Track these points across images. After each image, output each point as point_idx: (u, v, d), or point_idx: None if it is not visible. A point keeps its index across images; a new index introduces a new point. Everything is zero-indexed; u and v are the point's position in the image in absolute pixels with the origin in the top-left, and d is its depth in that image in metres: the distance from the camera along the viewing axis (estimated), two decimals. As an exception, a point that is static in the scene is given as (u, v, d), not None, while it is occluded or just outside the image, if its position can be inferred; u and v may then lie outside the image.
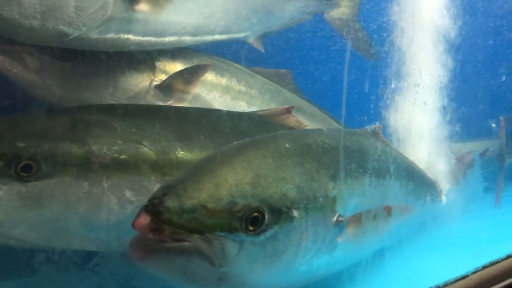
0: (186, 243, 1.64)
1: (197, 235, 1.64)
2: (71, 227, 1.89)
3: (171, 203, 1.64)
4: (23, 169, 1.81)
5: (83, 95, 2.50)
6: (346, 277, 2.29)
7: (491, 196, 4.04)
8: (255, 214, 1.74)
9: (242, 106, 2.93)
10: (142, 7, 2.30)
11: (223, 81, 2.87)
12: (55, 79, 2.44)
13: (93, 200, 1.88)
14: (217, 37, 2.74)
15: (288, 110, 2.57)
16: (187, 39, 2.57)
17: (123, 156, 1.94)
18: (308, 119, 3.16)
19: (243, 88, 2.95)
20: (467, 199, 3.36)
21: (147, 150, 1.99)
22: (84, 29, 2.16)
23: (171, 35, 2.49)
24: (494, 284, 2.09)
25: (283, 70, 3.30)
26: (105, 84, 2.52)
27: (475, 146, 4.16)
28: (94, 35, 2.21)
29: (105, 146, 1.92)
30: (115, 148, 1.94)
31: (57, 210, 1.85)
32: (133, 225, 1.61)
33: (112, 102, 2.52)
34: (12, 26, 2.02)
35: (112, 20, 2.22)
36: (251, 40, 2.96)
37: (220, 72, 2.86)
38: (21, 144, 1.83)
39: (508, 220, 3.51)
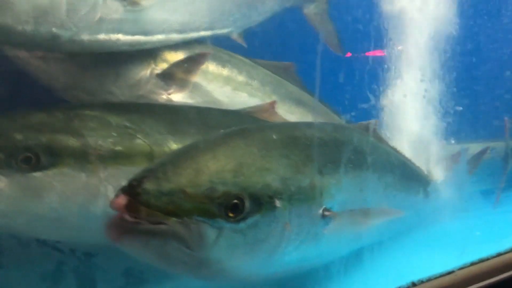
0: (163, 226, 1.73)
1: (174, 218, 1.72)
2: (70, 216, 2.10)
3: (149, 185, 1.73)
4: (23, 161, 2.02)
5: (86, 83, 2.72)
6: (332, 270, 2.38)
7: (490, 195, 4.19)
8: (235, 201, 1.83)
9: (242, 97, 3.09)
10: (131, 5, 2.47)
11: (224, 71, 3.04)
12: (58, 66, 2.66)
13: (91, 190, 2.09)
14: (203, 33, 2.93)
15: (272, 106, 2.77)
16: (174, 36, 2.78)
17: (118, 148, 2.16)
18: (310, 112, 3.36)
19: (244, 79, 3.11)
20: (460, 197, 3.52)
21: (141, 142, 2.21)
22: (75, 30, 2.34)
23: (159, 33, 2.69)
24: (481, 281, 2.16)
25: (286, 63, 3.48)
26: (107, 72, 2.72)
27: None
28: (85, 36, 2.40)
29: (100, 139, 2.14)
30: (111, 140, 2.15)
31: (56, 200, 2.06)
32: (110, 204, 1.71)
33: (114, 89, 2.72)
34: (5, 32, 2.17)
35: (103, 21, 2.42)
36: (234, 36, 3.16)
37: (222, 62, 3.04)
38: (21, 137, 2.05)
39: (505, 219, 3.68)
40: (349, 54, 4.02)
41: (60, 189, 2.05)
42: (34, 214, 2.06)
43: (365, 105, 3.46)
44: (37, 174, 2.03)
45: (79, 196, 2.08)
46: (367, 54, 3.87)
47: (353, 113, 3.24)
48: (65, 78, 2.69)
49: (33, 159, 2.02)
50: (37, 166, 2.03)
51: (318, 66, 2.12)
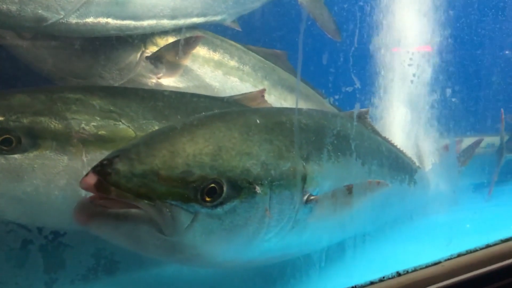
0: (133, 209, 1.70)
1: (145, 201, 1.69)
2: (51, 200, 2.08)
3: (121, 166, 1.69)
4: (3, 143, 2.00)
5: (75, 66, 2.70)
6: (315, 259, 2.37)
7: (482, 189, 4.19)
8: (212, 185, 1.79)
9: (234, 82, 3.09)
10: None
11: (216, 56, 3.03)
12: (47, 49, 2.65)
13: (73, 174, 2.06)
14: (195, 20, 2.92)
15: (261, 93, 2.74)
16: (165, 22, 2.77)
17: (101, 132, 2.14)
18: (302, 99, 3.37)
19: (235, 64, 3.11)
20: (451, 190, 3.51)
21: (125, 127, 2.19)
22: (62, 13, 2.33)
23: (149, 18, 2.69)
24: (467, 272, 2.17)
25: (279, 51, 3.47)
26: (96, 55, 2.70)
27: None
28: (73, 19, 2.39)
29: (83, 122, 2.12)
30: (94, 123, 2.13)
31: (37, 183, 2.04)
32: (80, 183, 1.68)
33: (103, 72, 2.72)
34: None
35: (91, 3, 2.40)
36: (228, 23, 3.15)
37: (213, 47, 3.03)
38: (1, 119, 2.03)
39: (495, 212, 3.69)
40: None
41: (41, 172, 2.04)
42: (13, 197, 2.04)
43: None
44: (18, 156, 2.01)
45: (61, 180, 2.06)
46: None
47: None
48: (54, 62, 2.67)
49: (13, 141, 2.01)
50: (18, 148, 2.01)
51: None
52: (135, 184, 1.69)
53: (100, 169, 1.68)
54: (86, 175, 1.68)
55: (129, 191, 1.68)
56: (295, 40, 1.94)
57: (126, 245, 1.87)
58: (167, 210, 1.72)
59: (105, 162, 1.71)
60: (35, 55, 2.65)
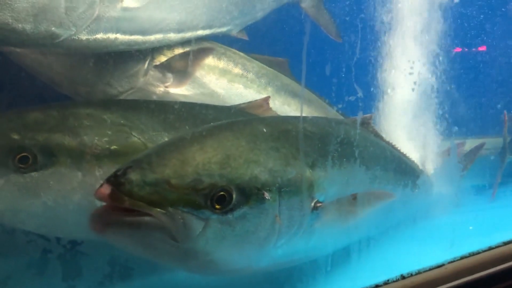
0: (147, 217, 1.74)
1: (158, 209, 1.74)
2: (67, 214, 2.15)
3: (133, 175, 1.75)
4: (20, 161, 2.06)
5: (83, 75, 2.78)
6: (320, 263, 2.40)
7: (485, 190, 4.22)
8: (222, 193, 1.84)
9: (238, 89, 3.16)
10: (128, 3, 2.53)
11: (220, 64, 3.11)
12: (56, 59, 2.72)
13: (87, 188, 2.10)
14: (201, 32, 2.99)
15: (266, 101, 2.82)
16: (172, 36, 2.83)
17: (114, 146, 2.20)
18: (305, 105, 3.41)
19: (239, 72, 3.18)
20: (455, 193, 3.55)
21: (136, 139, 2.25)
22: (74, 29, 2.38)
23: (156, 32, 2.75)
24: (471, 274, 2.20)
25: (280, 58, 3.55)
26: (105, 64, 2.76)
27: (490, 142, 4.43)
28: (84, 35, 2.44)
29: (96, 137, 2.18)
30: (106, 138, 2.19)
31: (54, 198, 2.11)
32: (95, 194, 1.73)
33: (112, 81, 2.78)
34: (5, 31, 2.21)
35: (101, 19, 2.46)
36: (234, 33, 3.23)
37: (218, 55, 3.11)
38: (18, 137, 2.09)
39: (498, 214, 3.72)
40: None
41: (57, 188, 2.10)
42: (31, 213, 2.10)
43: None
44: (34, 173, 2.07)
45: (76, 195, 2.11)
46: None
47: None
48: (63, 71, 2.74)
49: (30, 159, 2.07)
50: (34, 165, 2.07)
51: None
52: (148, 192, 1.74)
53: (114, 180, 1.74)
54: (101, 185, 1.74)
55: (142, 200, 1.73)
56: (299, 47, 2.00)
57: (140, 253, 1.92)
58: (179, 217, 1.77)
59: (118, 172, 1.77)
60: (43, 65, 2.71)
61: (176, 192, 1.78)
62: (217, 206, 1.84)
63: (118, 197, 1.72)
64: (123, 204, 1.72)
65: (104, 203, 1.76)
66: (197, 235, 1.83)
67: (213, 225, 1.84)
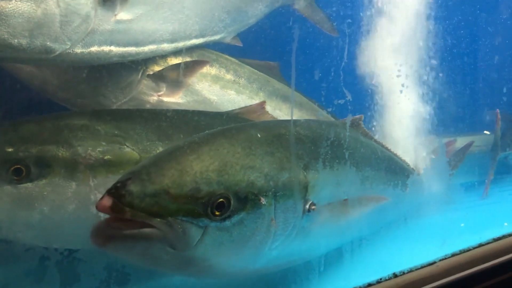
0: (148, 228, 1.77)
1: (158, 219, 1.77)
2: (61, 225, 2.17)
3: (133, 187, 1.77)
4: (14, 173, 2.08)
5: (77, 85, 2.80)
6: (313, 264, 2.44)
7: (476, 188, 4.27)
8: (220, 200, 1.88)
9: (231, 95, 3.19)
10: (122, 16, 2.57)
11: (213, 70, 3.14)
12: (50, 70, 2.75)
13: (81, 199, 2.14)
14: (194, 41, 3.02)
15: (262, 106, 2.84)
16: (165, 46, 2.86)
17: (107, 157, 2.22)
18: (296, 108, 3.48)
19: (232, 78, 3.21)
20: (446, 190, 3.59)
21: (130, 150, 2.27)
22: (69, 43, 2.42)
23: (150, 43, 2.78)
24: (462, 271, 2.24)
25: (271, 62, 3.59)
26: (99, 74, 2.79)
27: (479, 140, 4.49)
28: (78, 49, 2.48)
29: (90, 148, 2.20)
30: (100, 149, 2.21)
31: (48, 209, 2.13)
32: (96, 206, 1.76)
33: (106, 91, 2.81)
34: (1, 46, 2.23)
35: (95, 33, 2.50)
36: (227, 40, 3.26)
37: (210, 62, 3.13)
38: (11, 149, 2.11)
39: (488, 211, 3.77)
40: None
41: (51, 199, 2.11)
42: (25, 225, 2.12)
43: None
44: (28, 185, 2.09)
45: (70, 205, 2.13)
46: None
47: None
48: (57, 82, 2.76)
49: (23, 171, 2.08)
50: (28, 177, 2.09)
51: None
52: (148, 203, 1.78)
53: (115, 192, 1.77)
54: (102, 198, 1.76)
55: (143, 210, 1.77)
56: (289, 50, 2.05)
57: (141, 263, 1.96)
58: (179, 226, 1.81)
59: (118, 184, 1.79)
60: (38, 76, 2.74)
61: (176, 201, 1.81)
62: (216, 213, 1.88)
63: (120, 209, 1.75)
64: (125, 216, 1.75)
65: (105, 215, 1.80)
66: (196, 243, 1.86)
67: (211, 232, 1.88)
